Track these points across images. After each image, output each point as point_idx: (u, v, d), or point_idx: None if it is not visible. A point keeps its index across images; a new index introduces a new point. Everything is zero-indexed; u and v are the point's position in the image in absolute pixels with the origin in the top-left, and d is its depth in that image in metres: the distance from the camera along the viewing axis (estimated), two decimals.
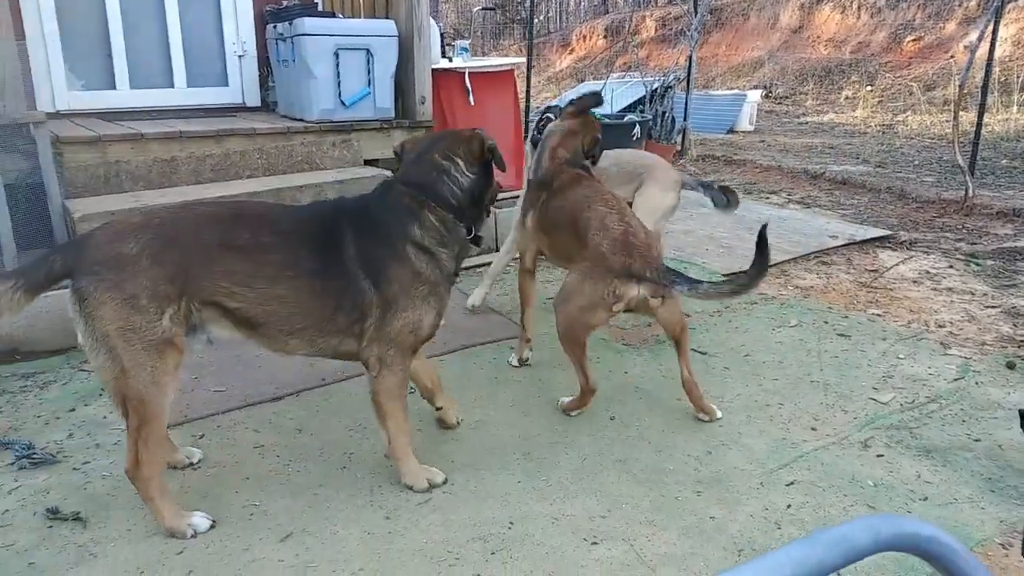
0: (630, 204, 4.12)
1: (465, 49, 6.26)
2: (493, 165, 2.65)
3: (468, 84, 5.86)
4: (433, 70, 5.62)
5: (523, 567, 2.24)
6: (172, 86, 5.71)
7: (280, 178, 4.93)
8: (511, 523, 2.44)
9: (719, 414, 3.11)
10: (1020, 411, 1.15)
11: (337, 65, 5.15)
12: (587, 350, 3.00)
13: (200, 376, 3.41)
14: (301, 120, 5.28)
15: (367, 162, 5.36)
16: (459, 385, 3.35)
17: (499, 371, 3.56)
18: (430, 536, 2.37)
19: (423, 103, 5.48)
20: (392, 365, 2.50)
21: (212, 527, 2.40)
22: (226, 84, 5.99)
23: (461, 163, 2.58)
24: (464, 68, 5.89)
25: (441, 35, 6.27)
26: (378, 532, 2.39)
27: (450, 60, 6.12)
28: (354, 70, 5.22)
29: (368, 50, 5.20)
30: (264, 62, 5.98)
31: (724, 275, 4.92)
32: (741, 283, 2.80)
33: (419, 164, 2.59)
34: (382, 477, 2.69)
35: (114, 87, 5.48)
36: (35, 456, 2.77)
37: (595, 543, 2.35)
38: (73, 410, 3.16)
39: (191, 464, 2.77)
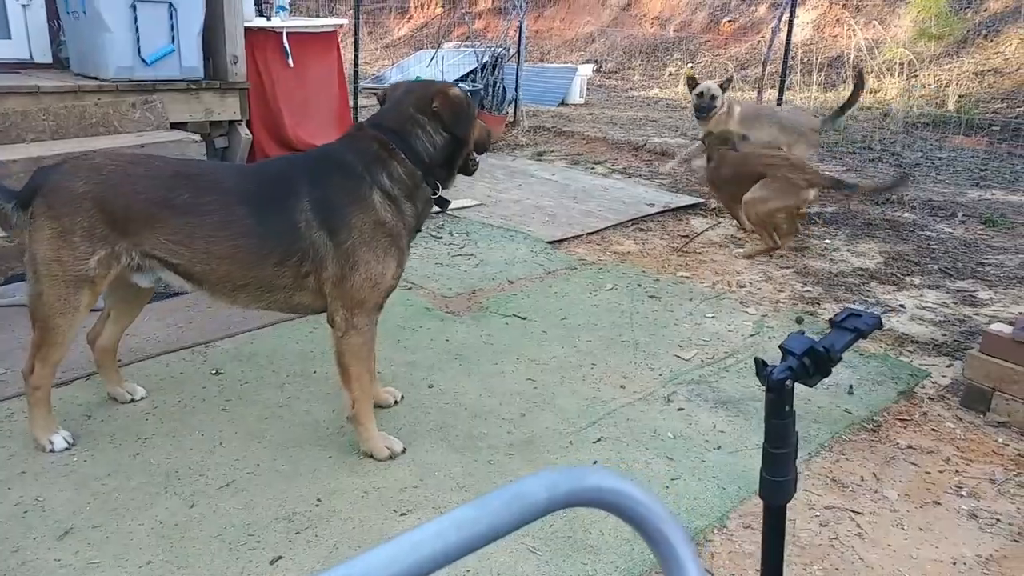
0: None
1: (283, 8, 5.92)
2: (475, 123, 2.59)
3: (287, 45, 5.57)
4: (247, 29, 5.30)
5: (328, 544, 2.17)
6: None
7: (70, 142, 4.47)
8: (319, 500, 2.37)
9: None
10: (755, 360, 1.21)
11: (135, 19, 4.72)
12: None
13: None
14: (95, 78, 4.80)
15: (174, 125, 4.96)
16: (270, 362, 3.21)
17: (314, 344, 3.43)
18: (230, 520, 2.25)
19: (235, 63, 5.16)
20: (358, 326, 2.46)
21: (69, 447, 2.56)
22: (8, 36, 5.34)
23: (432, 120, 2.48)
24: (281, 28, 5.59)
25: None
26: (172, 521, 2.24)
27: (268, 19, 5.78)
28: (155, 25, 4.82)
29: (170, 3, 4.81)
30: (54, 13, 5.38)
31: (547, 242, 5.03)
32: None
33: (396, 111, 2.50)
34: (178, 462, 2.52)
35: None
36: None
37: (404, 514, 2.32)
38: None
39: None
